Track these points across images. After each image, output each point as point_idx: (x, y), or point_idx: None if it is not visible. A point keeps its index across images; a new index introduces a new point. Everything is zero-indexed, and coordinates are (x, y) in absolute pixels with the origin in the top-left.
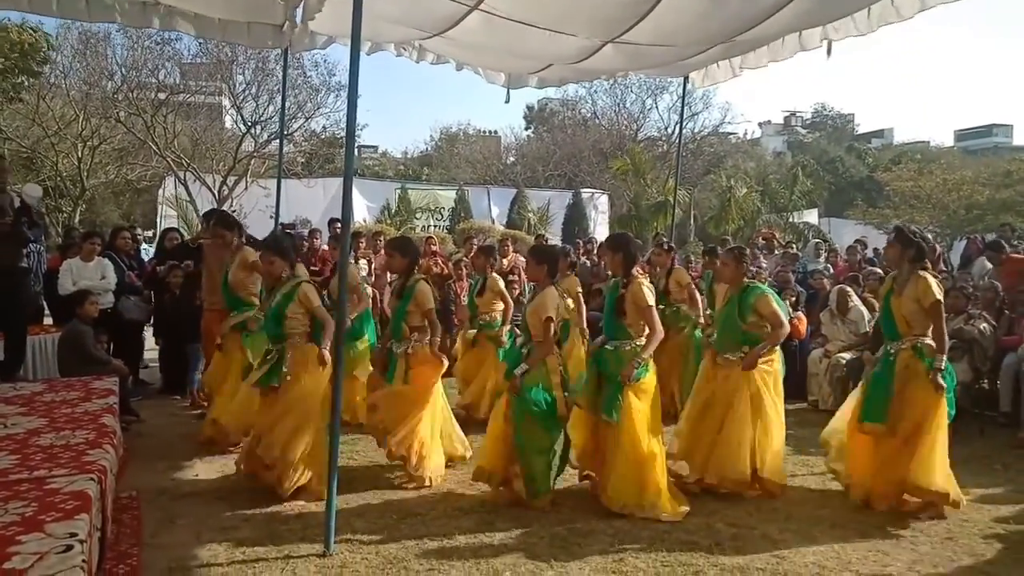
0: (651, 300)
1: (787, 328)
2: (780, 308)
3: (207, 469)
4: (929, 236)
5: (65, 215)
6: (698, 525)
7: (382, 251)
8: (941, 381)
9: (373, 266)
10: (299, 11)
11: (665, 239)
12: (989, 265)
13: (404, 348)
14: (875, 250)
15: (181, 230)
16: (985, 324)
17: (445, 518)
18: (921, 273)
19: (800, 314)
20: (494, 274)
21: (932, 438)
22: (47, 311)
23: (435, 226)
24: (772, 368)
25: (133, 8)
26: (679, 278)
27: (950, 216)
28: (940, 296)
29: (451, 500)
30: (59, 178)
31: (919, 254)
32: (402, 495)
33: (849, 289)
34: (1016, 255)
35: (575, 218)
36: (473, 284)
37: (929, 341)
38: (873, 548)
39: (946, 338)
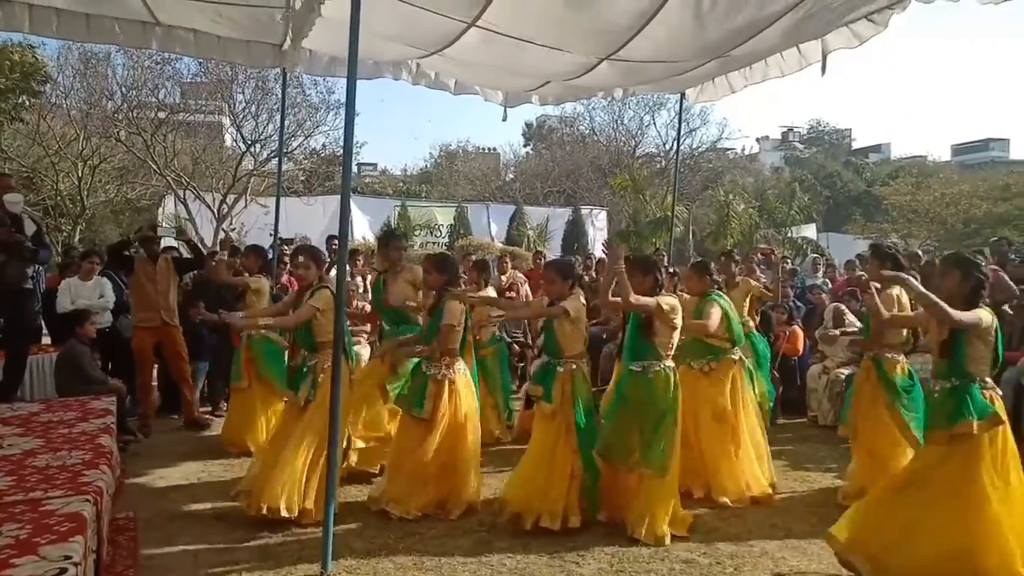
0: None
1: (704, 331)
2: (728, 317)
3: (205, 489)
4: (901, 249)
5: (65, 234)
6: (698, 543)
7: None
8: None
9: (369, 282)
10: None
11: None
12: None
13: (435, 373)
14: None
15: (181, 248)
16: None
17: (443, 537)
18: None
19: (796, 328)
20: (487, 290)
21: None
22: (45, 330)
23: (433, 243)
24: (726, 388)
25: (133, 28)
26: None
27: (948, 230)
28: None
29: (449, 520)
30: (59, 197)
31: (896, 267)
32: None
33: (843, 308)
34: (991, 268)
35: (574, 235)
36: None
37: (889, 354)
38: None
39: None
